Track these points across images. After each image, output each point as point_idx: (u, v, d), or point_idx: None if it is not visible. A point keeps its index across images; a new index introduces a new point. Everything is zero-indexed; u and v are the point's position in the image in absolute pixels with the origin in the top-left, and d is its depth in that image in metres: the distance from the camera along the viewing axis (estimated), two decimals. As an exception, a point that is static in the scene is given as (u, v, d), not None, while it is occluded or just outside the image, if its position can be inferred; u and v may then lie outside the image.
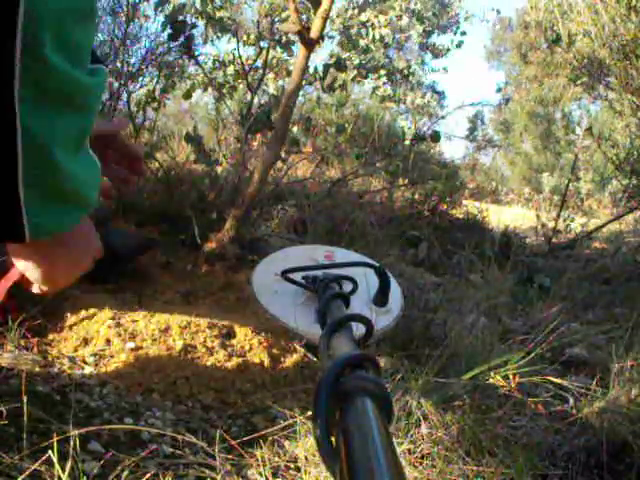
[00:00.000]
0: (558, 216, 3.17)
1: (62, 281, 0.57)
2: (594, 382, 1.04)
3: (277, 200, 2.41)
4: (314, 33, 1.49)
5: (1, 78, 0.35)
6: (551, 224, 3.18)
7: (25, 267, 0.51)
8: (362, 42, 3.30)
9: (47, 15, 0.36)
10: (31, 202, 0.41)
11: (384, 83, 3.80)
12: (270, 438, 0.82)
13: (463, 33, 8.11)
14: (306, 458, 0.74)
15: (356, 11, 3.41)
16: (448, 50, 7.65)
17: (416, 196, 3.05)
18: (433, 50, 7.69)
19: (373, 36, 3.25)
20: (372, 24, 3.24)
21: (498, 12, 8.46)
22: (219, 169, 2.21)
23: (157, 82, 2.42)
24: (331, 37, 3.56)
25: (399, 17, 3.88)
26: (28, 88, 0.36)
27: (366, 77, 3.55)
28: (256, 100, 2.31)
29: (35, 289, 0.57)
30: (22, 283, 0.61)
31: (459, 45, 7.93)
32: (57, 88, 0.39)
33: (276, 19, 2.56)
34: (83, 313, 1.16)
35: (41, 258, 0.50)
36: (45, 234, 0.45)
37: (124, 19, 2.20)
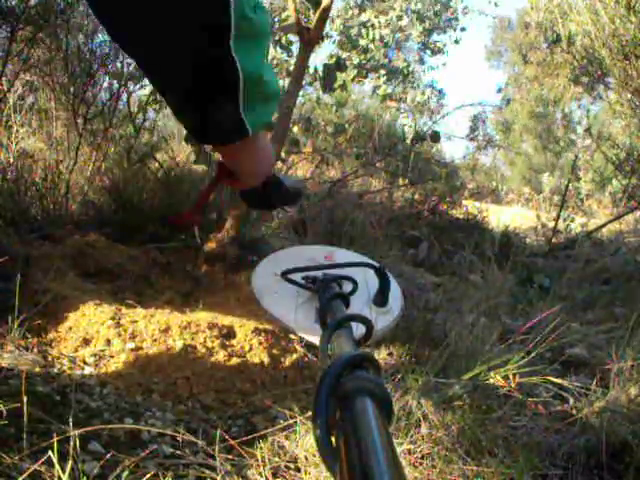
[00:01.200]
0: (558, 216, 3.17)
1: (264, 171, 0.76)
2: (594, 382, 1.04)
3: (277, 200, 2.40)
4: (314, 33, 1.49)
5: (222, 36, 0.51)
6: (551, 224, 3.18)
7: (241, 164, 0.70)
8: (362, 42, 3.30)
9: None
10: (249, 108, 0.57)
11: (384, 82, 3.80)
12: (270, 438, 0.82)
13: (462, 29, 8.12)
14: (306, 458, 0.74)
15: (356, 11, 3.42)
16: (444, 45, 7.65)
17: (416, 196, 3.05)
18: (432, 48, 7.70)
19: (373, 36, 3.26)
20: (372, 24, 3.24)
21: (496, 5, 8.46)
22: (219, 169, 2.20)
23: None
24: (330, 37, 3.56)
25: (400, 17, 3.88)
26: (238, 39, 0.52)
27: (366, 77, 3.55)
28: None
29: (233, 185, 0.79)
30: (230, 184, 0.80)
31: (457, 41, 7.94)
32: (254, 32, 0.55)
33: (276, 19, 2.57)
34: (83, 313, 1.16)
35: (253, 153, 0.68)
36: (259, 127, 0.62)
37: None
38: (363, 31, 3.52)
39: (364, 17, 3.55)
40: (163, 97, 0.61)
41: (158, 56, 0.54)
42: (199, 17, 0.51)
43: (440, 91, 9.31)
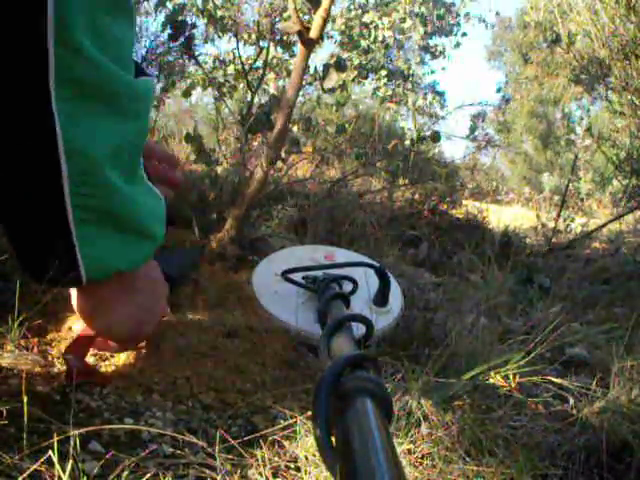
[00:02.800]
0: (558, 216, 3.17)
1: (127, 336, 0.47)
2: (594, 382, 1.04)
3: (277, 200, 2.41)
4: (314, 33, 1.49)
5: (34, 70, 0.28)
6: (551, 224, 3.18)
7: (87, 318, 0.41)
8: (363, 43, 3.30)
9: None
10: (84, 229, 0.33)
11: (385, 84, 3.80)
12: (270, 438, 0.82)
13: (464, 34, 8.12)
14: (306, 458, 0.74)
15: (359, 12, 3.42)
16: (444, 50, 7.66)
17: (416, 196, 3.05)
18: (433, 52, 7.71)
19: (375, 37, 3.26)
20: (375, 25, 3.24)
21: (497, 14, 8.50)
22: (219, 169, 2.21)
23: (157, 81, 2.42)
24: (331, 37, 3.56)
25: (403, 20, 3.89)
26: (65, 84, 0.30)
27: (366, 77, 3.56)
28: (256, 100, 2.31)
29: (109, 349, 0.53)
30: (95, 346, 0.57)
31: (457, 45, 7.94)
32: (96, 84, 0.32)
33: (276, 19, 2.57)
34: (83, 313, 1.16)
35: (101, 307, 0.40)
36: (104, 272, 0.37)
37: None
38: (365, 32, 3.52)
39: (367, 18, 3.55)
40: None
41: None
42: None
43: (441, 94, 9.32)
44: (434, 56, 7.94)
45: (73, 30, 0.29)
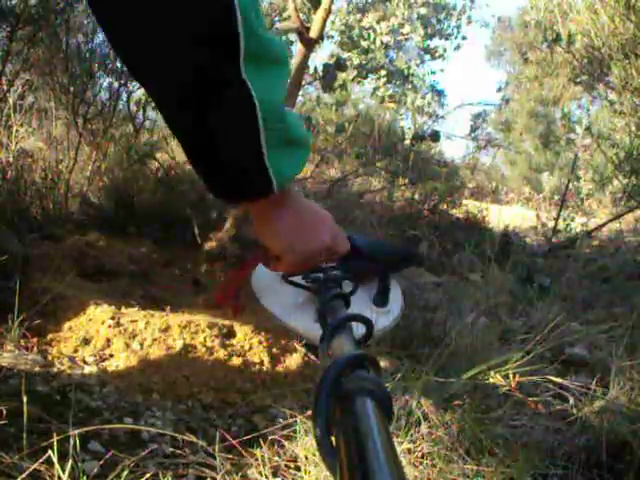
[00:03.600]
0: (558, 216, 3.17)
1: (311, 248, 0.59)
2: (594, 382, 1.04)
3: (277, 200, 2.40)
4: (314, 33, 1.49)
5: (231, 57, 0.42)
6: (551, 224, 3.18)
7: (270, 233, 0.54)
8: (363, 43, 3.30)
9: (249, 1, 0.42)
10: (272, 152, 0.46)
11: (385, 84, 3.80)
12: (270, 438, 0.82)
13: (464, 38, 8.12)
14: (306, 458, 0.74)
15: (358, 16, 3.42)
16: (445, 51, 7.66)
17: (416, 196, 3.05)
18: (433, 53, 7.71)
19: (374, 39, 3.26)
20: (374, 30, 3.25)
21: (499, 19, 8.52)
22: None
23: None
24: (330, 37, 3.56)
25: (401, 25, 3.89)
26: (248, 58, 0.43)
27: (366, 77, 3.56)
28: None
29: (277, 265, 0.62)
30: (270, 264, 0.65)
31: (457, 48, 7.95)
32: (266, 52, 0.45)
33: (276, 19, 2.57)
34: (83, 313, 1.16)
35: (286, 218, 0.53)
36: (287, 179, 0.49)
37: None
38: (364, 33, 3.52)
39: (365, 22, 3.55)
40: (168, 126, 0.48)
41: (153, 72, 0.44)
42: (193, 21, 0.40)
43: (440, 92, 9.30)
44: (433, 57, 7.94)
45: (250, 17, 0.42)
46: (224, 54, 0.42)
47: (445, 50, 7.60)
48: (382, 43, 3.34)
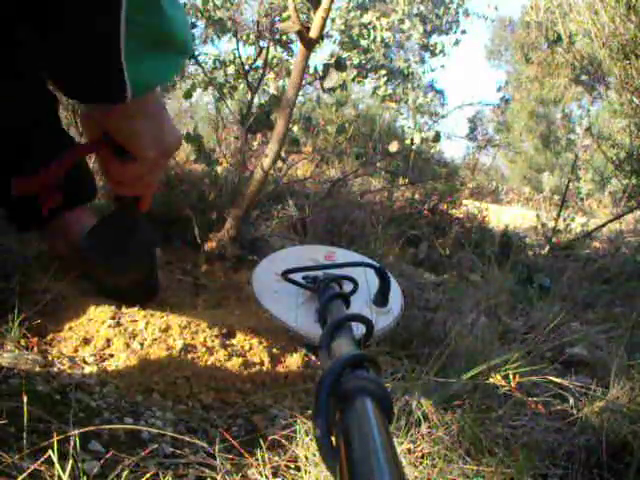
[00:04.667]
0: (558, 216, 3.17)
1: (155, 147, 0.52)
2: (594, 382, 1.04)
3: (277, 200, 2.41)
4: (314, 33, 1.49)
5: None
6: (551, 224, 3.18)
7: (130, 133, 0.48)
8: (363, 42, 3.30)
9: None
10: (132, 51, 0.36)
11: (385, 83, 3.80)
12: (270, 438, 0.82)
13: (463, 32, 8.13)
14: (306, 458, 0.74)
15: (358, 12, 3.41)
16: (444, 47, 7.66)
17: (416, 196, 3.05)
18: (432, 50, 7.71)
19: (374, 37, 3.26)
20: (374, 26, 3.24)
21: (496, 9, 8.53)
22: (219, 169, 2.21)
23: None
24: (330, 37, 3.56)
25: (402, 21, 3.89)
26: None
27: (366, 77, 3.55)
28: (256, 100, 2.31)
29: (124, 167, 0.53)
30: (110, 165, 0.55)
31: (457, 43, 7.95)
32: None
33: (276, 19, 2.57)
34: (83, 313, 1.16)
35: (134, 119, 0.46)
36: (144, 87, 0.41)
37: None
38: (364, 31, 3.53)
39: (365, 19, 3.55)
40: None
41: None
42: None
43: (440, 92, 9.31)
44: (433, 54, 7.95)
45: None
46: None
47: (444, 46, 7.61)
48: (382, 40, 3.34)
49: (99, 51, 0.36)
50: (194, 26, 2.19)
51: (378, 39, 3.34)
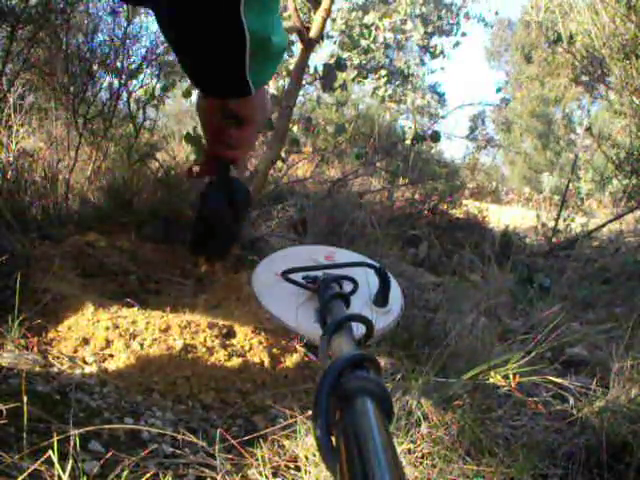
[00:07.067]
0: (558, 216, 3.17)
1: (260, 117, 0.73)
2: (594, 382, 1.04)
3: (277, 200, 2.41)
4: (314, 33, 1.49)
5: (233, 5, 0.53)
6: (551, 224, 3.18)
7: (247, 106, 0.69)
8: (363, 42, 3.30)
9: None
10: (253, 67, 0.59)
11: (385, 83, 3.80)
12: (270, 438, 0.82)
13: (463, 34, 8.13)
14: (306, 458, 0.74)
15: (360, 13, 3.42)
16: (443, 49, 7.66)
17: (416, 196, 3.05)
18: (433, 51, 7.71)
19: (375, 37, 3.26)
20: (376, 27, 3.24)
21: (497, 13, 8.53)
22: (219, 169, 2.20)
23: (157, 81, 2.42)
24: (331, 37, 3.56)
25: (404, 21, 3.89)
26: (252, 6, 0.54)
27: (366, 77, 3.56)
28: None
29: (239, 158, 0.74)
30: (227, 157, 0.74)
31: (456, 45, 7.95)
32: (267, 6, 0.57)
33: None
34: (83, 313, 1.16)
35: (255, 106, 0.69)
36: (262, 84, 0.65)
37: (124, 19, 2.20)
38: (365, 32, 3.52)
39: (368, 19, 3.55)
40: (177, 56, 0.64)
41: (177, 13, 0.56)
42: None
43: (441, 94, 9.31)
44: (434, 56, 7.95)
45: None
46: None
47: (443, 48, 7.61)
48: (384, 40, 3.34)
49: (233, 69, 0.60)
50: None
51: (380, 39, 3.34)
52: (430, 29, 7.16)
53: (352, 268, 1.04)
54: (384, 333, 1.08)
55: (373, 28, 3.45)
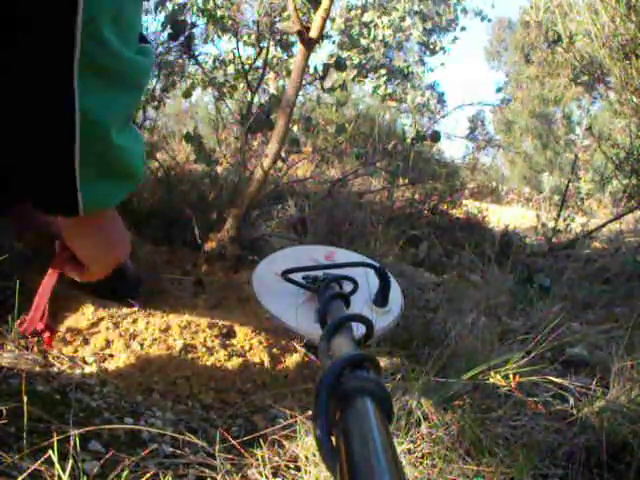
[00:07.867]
0: (558, 216, 3.17)
1: (103, 261, 0.59)
2: (594, 382, 1.04)
3: (277, 200, 2.41)
4: (314, 33, 1.49)
5: (61, 55, 0.36)
6: (551, 224, 3.18)
7: (73, 243, 0.55)
8: (363, 41, 3.30)
9: None
10: (86, 179, 0.42)
11: (385, 83, 3.80)
12: (270, 438, 0.82)
13: (463, 28, 8.13)
14: (306, 458, 0.74)
15: (359, 11, 3.42)
16: (443, 48, 7.67)
17: (416, 196, 3.05)
18: (432, 48, 7.71)
19: (375, 36, 3.26)
20: (375, 24, 3.24)
21: (493, 6, 8.56)
22: (219, 169, 2.21)
23: (157, 81, 2.42)
24: (330, 37, 3.56)
25: (402, 19, 3.89)
26: (86, 67, 0.37)
27: (366, 77, 3.56)
28: (256, 100, 2.31)
29: (76, 275, 0.60)
30: (71, 272, 0.66)
31: (454, 40, 7.96)
32: (113, 67, 0.39)
33: (276, 18, 2.57)
34: (83, 313, 1.16)
35: (85, 235, 0.53)
36: (96, 208, 0.46)
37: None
38: (365, 31, 3.52)
39: (367, 17, 3.55)
40: None
41: None
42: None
43: (441, 93, 9.31)
44: (433, 52, 7.95)
45: (100, 26, 0.36)
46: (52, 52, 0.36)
47: (443, 47, 7.61)
48: (383, 38, 3.35)
49: (56, 175, 0.42)
50: (194, 26, 2.19)
51: (379, 37, 3.34)
52: (429, 25, 7.16)
53: (352, 268, 1.04)
54: (384, 333, 1.09)
55: (372, 26, 3.46)
